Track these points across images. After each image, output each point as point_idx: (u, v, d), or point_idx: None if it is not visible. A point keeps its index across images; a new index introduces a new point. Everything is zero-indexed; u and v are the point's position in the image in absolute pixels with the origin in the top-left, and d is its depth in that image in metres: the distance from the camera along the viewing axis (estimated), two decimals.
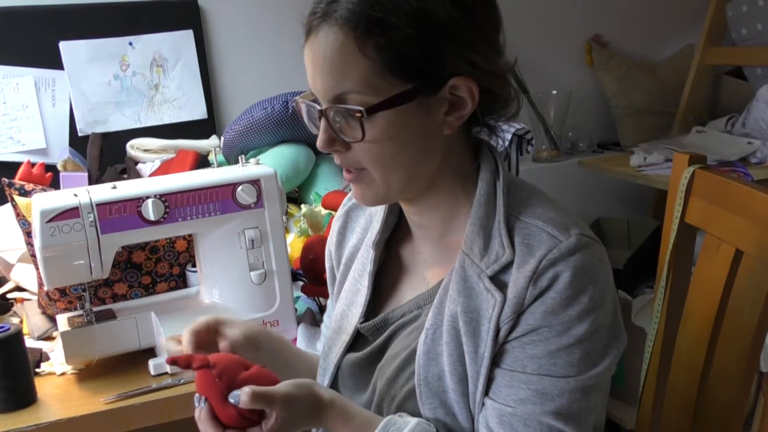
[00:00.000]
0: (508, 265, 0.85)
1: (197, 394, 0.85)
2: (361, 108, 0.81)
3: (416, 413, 0.88)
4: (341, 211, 1.09)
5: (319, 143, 0.86)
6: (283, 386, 0.83)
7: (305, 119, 0.90)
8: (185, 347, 0.94)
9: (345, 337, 1.00)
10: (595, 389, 0.85)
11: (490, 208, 0.88)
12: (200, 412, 0.84)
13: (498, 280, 0.85)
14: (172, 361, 0.87)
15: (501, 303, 0.83)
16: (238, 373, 0.85)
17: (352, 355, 0.99)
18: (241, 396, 0.80)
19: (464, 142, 0.91)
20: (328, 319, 1.13)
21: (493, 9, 0.86)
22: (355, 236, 1.05)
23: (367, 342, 0.99)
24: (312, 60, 0.83)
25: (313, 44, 0.83)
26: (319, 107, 0.85)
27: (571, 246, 0.82)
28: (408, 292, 0.97)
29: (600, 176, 2.44)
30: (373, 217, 1.03)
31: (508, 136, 1.64)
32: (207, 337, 0.98)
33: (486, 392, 0.85)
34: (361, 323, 0.99)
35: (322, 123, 0.85)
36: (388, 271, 1.01)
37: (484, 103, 0.87)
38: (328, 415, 0.86)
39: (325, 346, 1.05)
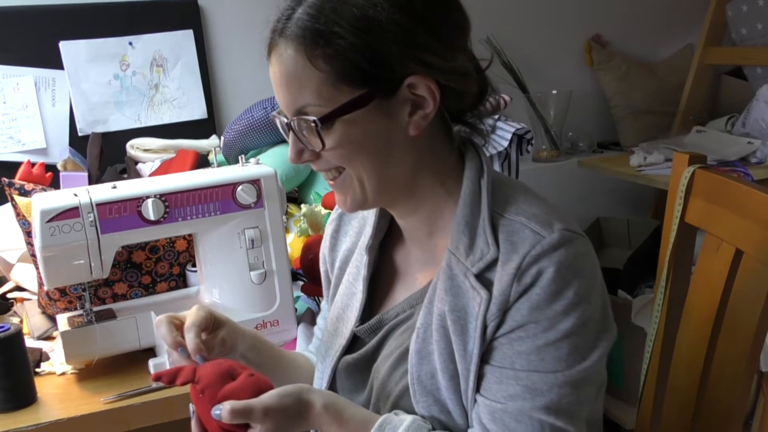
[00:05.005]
0: (493, 263, 0.85)
1: (191, 404, 0.87)
2: (314, 118, 0.83)
3: (412, 410, 0.89)
4: (334, 214, 1.10)
5: (289, 156, 0.89)
6: (266, 397, 0.84)
7: (282, 133, 0.91)
8: (189, 343, 0.93)
9: (341, 341, 1.01)
10: (585, 383, 0.85)
11: (475, 206, 0.89)
12: (192, 422, 0.87)
13: (483, 278, 0.85)
14: (156, 378, 0.88)
15: (487, 300, 0.84)
16: (220, 388, 0.85)
17: (349, 357, 1.00)
18: (222, 412, 0.82)
19: (442, 143, 0.92)
20: (323, 321, 1.14)
21: (447, 8, 0.87)
22: (349, 239, 1.06)
23: (363, 343, 0.99)
24: (273, 76, 0.86)
25: (273, 61, 0.86)
26: (286, 120, 0.88)
27: (554, 241, 0.83)
28: (401, 293, 0.98)
29: (600, 176, 2.44)
30: (366, 221, 1.03)
31: (508, 136, 1.64)
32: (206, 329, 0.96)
33: (477, 389, 0.86)
34: (357, 326, 0.99)
35: (291, 136, 0.88)
36: (382, 273, 1.02)
37: (449, 100, 0.87)
38: (321, 420, 0.86)
39: (321, 349, 1.05)
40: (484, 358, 0.85)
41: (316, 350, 1.15)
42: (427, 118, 0.86)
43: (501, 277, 0.84)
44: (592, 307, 0.85)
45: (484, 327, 0.84)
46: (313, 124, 0.83)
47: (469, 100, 0.91)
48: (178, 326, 0.95)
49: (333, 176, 0.90)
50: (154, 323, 0.96)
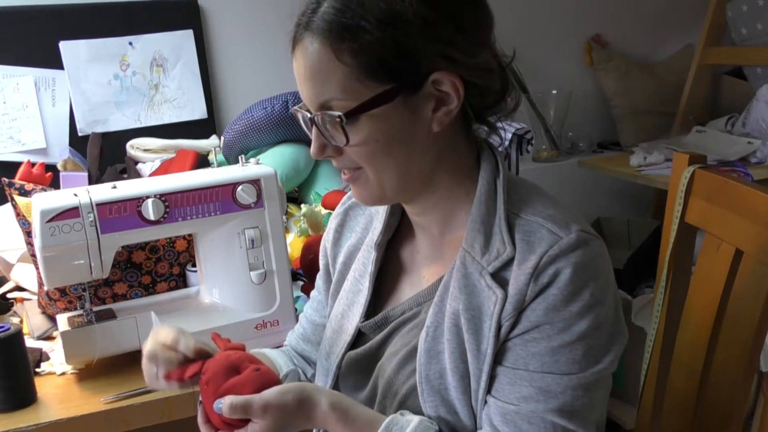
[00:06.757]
0: (509, 262, 0.85)
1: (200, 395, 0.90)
2: (340, 113, 0.82)
3: (418, 410, 0.89)
4: (340, 209, 1.10)
5: (312, 151, 0.89)
6: (267, 393, 0.85)
7: (304, 127, 0.91)
8: (188, 350, 0.93)
9: (346, 337, 1.01)
10: (597, 386, 0.85)
11: (491, 205, 0.89)
12: (198, 413, 0.89)
13: (499, 277, 0.85)
14: (167, 377, 0.91)
15: (502, 300, 0.84)
16: (224, 381, 0.87)
17: (353, 353, 1.00)
18: (222, 406, 0.84)
19: (462, 141, 0.92)
20: (311, 311, 1.15)
21: (473, 4, 0.87)
22: (354, 236, 1.06)
23: (367, 340, 0.99)
24: (297, 70, 0.86)
25: (297, 55, 0.85)
26: (309, 115, 0.87)
27: (572, 242, 0.83)
28: (407, 291, 0.98)
29: (600, 176, 2.44)
30: (374, 218, 1.03)
31: (508, 136, 1.64)
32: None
33: (488, 390, 0.85)
34: (362, 322, 0.99)
35: (314, 130, 0.87)
36: (388, 270, 1.02)
37: (473, 97, 0.87)
38: (328, 419, 0.86)
39: (325, 346, 1.05)
40: (497, 359, 0.85)
41: (303, 342, 1.16)
42: (450, 114, 0.86)
43: (517, 277, 0.83)
44: (606, 309, 0.84)
45: (499, 327, 0.84)
46: (338, 120, 0.83)
47: (492, 96, 0.91)
48: (167, 347, 0.94)
49: (350, 172, 0.90)
50: (143, 367, 0.95)
